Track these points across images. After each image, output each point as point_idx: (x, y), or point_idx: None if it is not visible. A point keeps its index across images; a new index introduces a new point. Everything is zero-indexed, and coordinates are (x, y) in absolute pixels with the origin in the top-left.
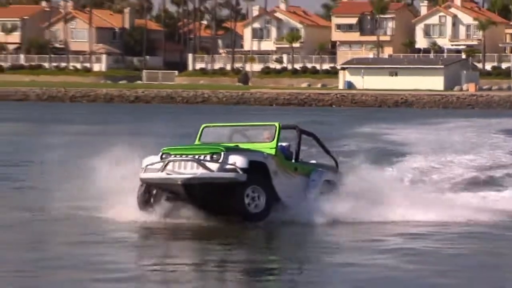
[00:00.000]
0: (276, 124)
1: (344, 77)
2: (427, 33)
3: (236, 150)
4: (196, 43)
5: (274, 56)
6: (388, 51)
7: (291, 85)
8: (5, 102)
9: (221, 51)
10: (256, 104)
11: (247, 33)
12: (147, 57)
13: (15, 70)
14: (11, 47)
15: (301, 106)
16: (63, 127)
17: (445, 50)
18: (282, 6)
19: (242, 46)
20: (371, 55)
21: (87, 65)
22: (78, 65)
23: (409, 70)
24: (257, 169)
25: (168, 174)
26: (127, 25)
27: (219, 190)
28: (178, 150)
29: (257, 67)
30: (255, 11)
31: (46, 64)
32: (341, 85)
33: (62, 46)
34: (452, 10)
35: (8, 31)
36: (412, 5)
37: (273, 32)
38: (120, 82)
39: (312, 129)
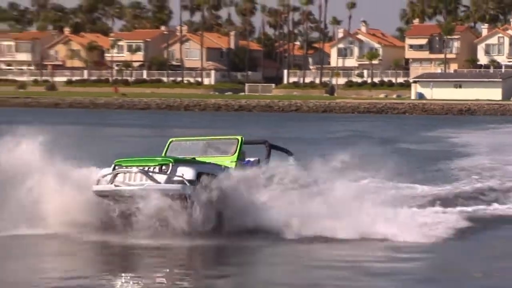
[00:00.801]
0: (239, 137)
1: (416, 89)
2: (487, 51)
3: (187, 162)
4: (290, 61)
5: (356, 71)
6: (453, 67)
7: (370, 96)
8: (131, 110)
9: (311, 67)
10: (341, 112)
11: (333, 52)
12: (249, 72)
13: (139, 83)
14: (135, 64)
15: (378, 114)
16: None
17: (503, 66)
18: (363, 29)
19: (329, 63)
20: (439, 70)
21: (199, 79)
22: (191, 79)
23: (471, 83)
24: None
25: (116, 186)
26: (232, 46)
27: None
28: (130, 161)
29: (342, 80)
30: (340, 34)
31: (164, 79)
32: (413, 96)
33: (178, 63)
34: (509, 31)
35: (133, 51)
36: (475, 27)
37: (356, 51)
38: (226, 93)
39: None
